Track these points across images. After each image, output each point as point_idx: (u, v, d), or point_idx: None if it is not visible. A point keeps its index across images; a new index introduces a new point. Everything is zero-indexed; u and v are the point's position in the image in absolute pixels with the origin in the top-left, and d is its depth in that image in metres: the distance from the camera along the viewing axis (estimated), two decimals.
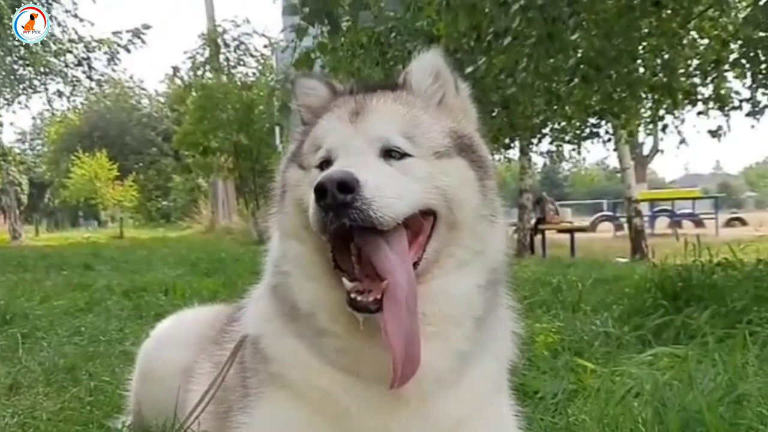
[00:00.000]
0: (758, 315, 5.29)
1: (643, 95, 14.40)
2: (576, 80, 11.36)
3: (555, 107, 14.72)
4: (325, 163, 2.22)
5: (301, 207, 2.23)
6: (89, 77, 34.76)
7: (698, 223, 40.93)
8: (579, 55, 10.61)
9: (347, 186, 1.95)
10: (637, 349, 5.12)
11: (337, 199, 1.95)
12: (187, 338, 3.38)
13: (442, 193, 2.17)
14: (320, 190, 1.97)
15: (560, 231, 26.18)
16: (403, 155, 2.20)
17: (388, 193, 2.01)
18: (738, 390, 3.44)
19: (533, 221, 25.80)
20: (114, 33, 34.07)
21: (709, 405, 3.18)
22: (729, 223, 43.30)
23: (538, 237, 25.32)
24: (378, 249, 2.05)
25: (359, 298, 2.04)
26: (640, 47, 12.14)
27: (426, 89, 2.42)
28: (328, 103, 2.44)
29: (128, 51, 34.29)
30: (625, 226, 24.76)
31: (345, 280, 2.08)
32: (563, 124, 20.97)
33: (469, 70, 10.12)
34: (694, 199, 44.85)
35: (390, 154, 2.20)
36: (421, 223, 2.15)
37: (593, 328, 5.78)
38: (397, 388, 2.01)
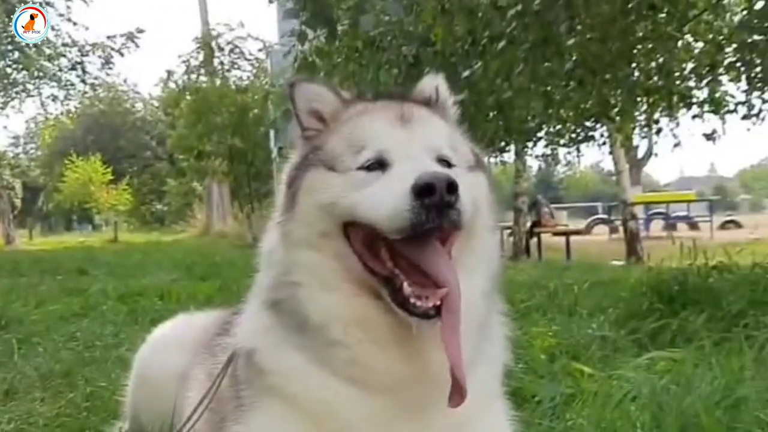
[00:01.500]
0: (755, 319, 5.31)
1: (639, 99, 14.42)
2: (572, 84, 11.38)
3: (551, 111, 14.73)
4: (376, 165, 2.19)
5: (328, 211, 2.19)
6: (83, 81, 34.83)
7: (693, 226, 41.05)
8: (575, 58, 10.62)
9: (454, 187, 1.95)
10: (633, 353, 5.12)
11: (444, 199, 1.94)
12: (184, 343, 3.37)
13: (473, 203, 2.17)
14: (429, 188, 1.93)
15: (556, 234, 26.21)
16: (450, 166, 2.25)
17: (466, 198, 2.04)
18: (735, 394, 3.44)
19: (529, 224, 25.84)
20: (108, 37, 34.17)
21: (707, 409, 3.20)
22: (724, 225, 43.37)
23: (534, 240, 25.34)
24: (437, 256, 2.06)
25: (419, 303, 2.02)
26: (636, 51, 12.14)
27: (449, 107, 2.54)
28: (338, 110, 2.40)
29: (122, 55, 34.42)
30: (620, 229, 24.79)
31: (405, 285, 2.05)
32: (558, 127, 20.98)
33: (465, 74, 10.13)
34: (689, 202, 44.90)
35: (442, 163, 2.23)
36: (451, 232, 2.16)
37: (589, 331, 5.80)
38: (457, 405, 2.00)
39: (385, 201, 2.02)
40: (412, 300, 2.03)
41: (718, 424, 3.10)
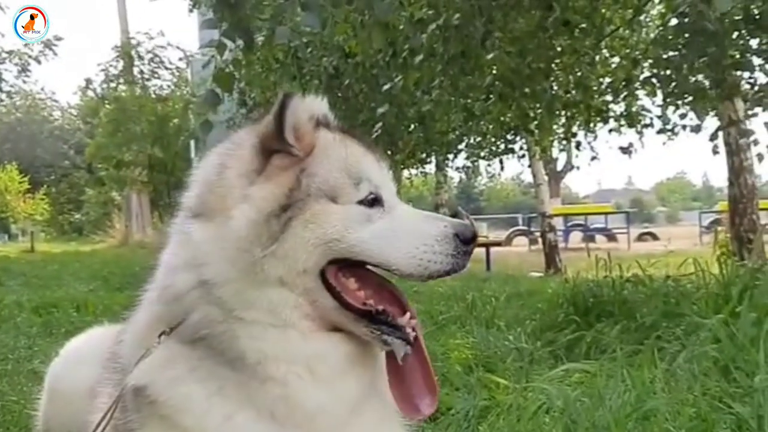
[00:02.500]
0: (667, 330, 5.40)
1: (557, 112, 14.66)
2: (492, 97, 11.53)
3: (471, 124, 14.90)
4: (375, 201, 2.15)
5: (328, 246, 2.07)
6: None
7: (611, 238, 41.84)
8: (494, 72, 10.76)
9: None
10: (549, 365, 5.18)
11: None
12: (97, 357, 3.29)
13: None
14: (474, 237, 2.15)
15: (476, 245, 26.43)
16: None
17: None
18: (645, 406, 3.50)
19: None
20: (25, 44, 33.49)
21: (617, 421, 3.24)
22: (641, 237, 44.32)
23: None
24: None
25: (412, 332, 2.11)
26: (554, 65, 12.35)
27: None
28: (312, 132, 2.21)
29: (39, 62, 33.74)
30: (540, 240, 25.14)
31: (407, 315, 2.14)
32: (479, 139, 21.23)
33: (385, 87, 10.18)
34: (606, 213, 45.82)
35: None
36: None
37: (506, 343, 5.83)
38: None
39: (421, 243, 2.10)
40: (408, 330, 2.10)
41: None
